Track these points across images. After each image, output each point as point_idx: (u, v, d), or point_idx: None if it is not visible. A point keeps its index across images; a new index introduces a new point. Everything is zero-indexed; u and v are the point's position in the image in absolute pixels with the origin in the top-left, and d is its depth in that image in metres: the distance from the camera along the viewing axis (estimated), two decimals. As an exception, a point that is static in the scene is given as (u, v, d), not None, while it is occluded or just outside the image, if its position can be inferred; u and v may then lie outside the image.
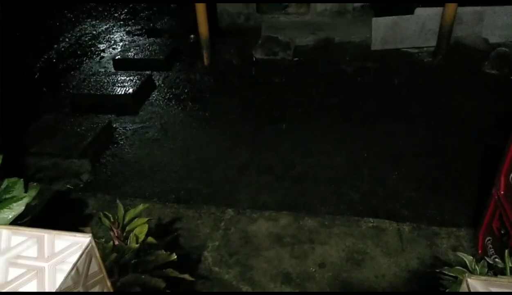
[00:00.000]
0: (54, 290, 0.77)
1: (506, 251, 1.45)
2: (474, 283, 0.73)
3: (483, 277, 0.73)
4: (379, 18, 4.80)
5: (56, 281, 0.79)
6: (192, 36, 5.53)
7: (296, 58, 4.95)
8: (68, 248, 0.85)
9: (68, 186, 3.14)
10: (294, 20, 5.64)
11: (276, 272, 2.30)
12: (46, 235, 0.88)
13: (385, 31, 4.81)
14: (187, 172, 3.23)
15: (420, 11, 4.73)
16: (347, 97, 4.15)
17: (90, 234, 0.88)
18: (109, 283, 0.96)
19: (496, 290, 0.71)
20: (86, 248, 0.86)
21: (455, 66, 4.54)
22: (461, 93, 4.10)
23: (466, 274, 0.75)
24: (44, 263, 0.82)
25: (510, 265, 1.39)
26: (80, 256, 0.84)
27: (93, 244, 0.88)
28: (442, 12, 4.48)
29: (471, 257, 1.55)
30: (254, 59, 4.98)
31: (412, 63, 4.69)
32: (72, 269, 0.82)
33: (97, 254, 0.90)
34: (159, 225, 2.63)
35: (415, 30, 4.77)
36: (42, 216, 2.67)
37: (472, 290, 0.71)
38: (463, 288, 0.74)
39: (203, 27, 4.74)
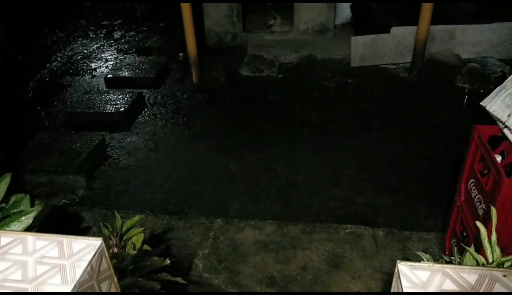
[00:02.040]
0: (74, 283, 0.97)
1: (456, 248, 1.68)
2: (403, 267, 0.94)
3: (409, 263, 0.95)
4: (357, 37, 5.09)
5: (76, 275, 0.99)
6: (181, 54, 5.77)
7: (281, 75, 5.21)
8: (83, 249, 1.05)
9: (65, 200, 3.30)
10: (278, 39, 5.92)
11: (261, 276, 2.50)
12: (65, 239, 1.08)
13: (364, 48, 5.10)
14: (178, 185, 3.42)
15: (395, 30, 5.04)
16: (329, 112, 4.40)
17: (101, 238, 1.08)
18: (115, 279, 1.15)
19: (418, 272, 0.93)
20: (98, 249, 1.06)
21: (429, 81, 4.84)
22: (435, 106, 4.39)
23: (397, 261, 0.96)
24: (65, 261, 1.02)
25: (458, 260, 1.61)
26: (94, 255, 1.04)
27: (103, 246, 1.09)
28: (416, 31, 4.78)
29: (429, 256, 1.76)
30: (240, 76, 5.23)
31: (389, 78, 4.98)
32: (88, 265, 1.01)
33: (107, 254, 1.10)
34: (152, 235, 2.81)
35: (392, 47, 5.07)
36: (42, 230, 2.82)
37: (400, 273, 0.93)
38: (395, 272, 0.96)
39: (191, 46, 4.97)
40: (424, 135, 3.92)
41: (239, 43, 6.00)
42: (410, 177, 3.39)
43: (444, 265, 0.93)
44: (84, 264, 1.01)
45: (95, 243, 1.07)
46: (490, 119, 2.26)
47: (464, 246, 1.61)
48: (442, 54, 5.10)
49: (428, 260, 1.75)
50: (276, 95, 4.82)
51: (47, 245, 1.07)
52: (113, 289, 1.14)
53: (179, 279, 1.89)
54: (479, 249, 1.69)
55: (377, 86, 4.83)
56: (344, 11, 5.94)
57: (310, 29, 5.88)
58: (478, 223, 1.54)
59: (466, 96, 4.51)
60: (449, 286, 0.90)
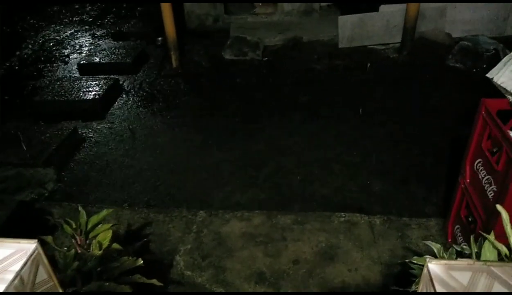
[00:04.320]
0: (-6, 302, 0.71)
1: (472, 236, 1.47)
2: (435, 267, 0.72)
3: (443, 261, 0.72)
4: (345, 16, 4.85)
5: (-3, 292, 0.73)
6: (159, 38, 5.45)
7: (266, 58, 4.95)
8: (11, 256, 0.79)
9: (33, 195, 3.01)
10: (262, 21, 5.65)
11: (250, 272, 2.27)
12: (-13, 243, 0.82)
13: (352, 29, 4.86)
14: (157, 176, 3.16)
15: (384, 8, 4.81)
16: (317, 95, 4.16)
17: (36, 240, 0.82)
18: (60, 290, 0.90)
19: (456, 273, 0.70)
20: (31, 255, 0.80)
21: (420, 61, 4.64)
22: (427, 86, 4.19)
23: (427, 259, 0.73)
24: (-17, 274, 0.76)
25: (476, 250, 1.41)
26: (25, 263, 0.78)
27: (40, 250, 0.83)
28: (406, 9, 4.56)
29: (439, 245, 1.56)
30: (223, 60, 4.95)
31: (378, 59, 4.76)
32: (15, 278, 0.76)
33: (45, 261, 0.84)
34: (128, 231, 2.55)
35: (381, 27, 4.85)
36: (5, 227, 2.55)
37: (432, 275, 0.70)
38: (424, 274, 0.73)
39: (170, 29, 4.67)
40: (417, 117, 3.72)
41: (221, 26, 5.70)
42: (405, 160, 3.19)
43: (489, 263, 0.71)
44: (9, 276, 0.76)
45: (27, 247, 0.82)
46: (487, 97, 2.05)
47: (483, 234, 1.40)
48: (432, 33, 4.90)
49: (439, 250, 1.53)
50: (261, 79, 4.56)
51: (-38, 252, 0.80)
52: (56, 305, 0.88)
53: (154, 281, 1.64)
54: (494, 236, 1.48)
55: (367, 68, 4.61)
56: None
57: (295, 10, 5.62)
58: (499, 207, 1.33)
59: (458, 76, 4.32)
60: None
